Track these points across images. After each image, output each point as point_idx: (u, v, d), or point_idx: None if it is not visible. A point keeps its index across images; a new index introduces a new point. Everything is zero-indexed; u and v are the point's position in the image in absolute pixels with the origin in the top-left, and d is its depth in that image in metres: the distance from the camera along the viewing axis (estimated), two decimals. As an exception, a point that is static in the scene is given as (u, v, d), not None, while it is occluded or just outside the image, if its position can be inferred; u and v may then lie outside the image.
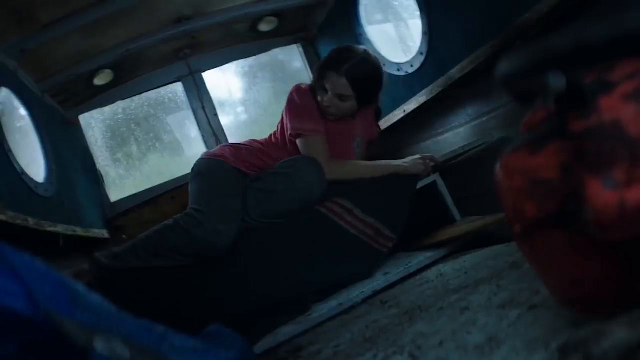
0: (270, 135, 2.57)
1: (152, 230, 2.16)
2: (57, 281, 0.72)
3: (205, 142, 3.47)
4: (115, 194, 3.37)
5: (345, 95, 2.34)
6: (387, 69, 2.96)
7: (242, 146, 2.49)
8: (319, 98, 2.38)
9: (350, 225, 2.20)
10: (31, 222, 1.99)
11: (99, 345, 0.69)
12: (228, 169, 2.35)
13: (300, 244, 2.15)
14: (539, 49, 0.68)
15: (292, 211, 2.23)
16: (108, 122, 3.51)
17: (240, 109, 3.78)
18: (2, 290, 0.64)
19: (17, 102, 2.54)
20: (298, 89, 2.41)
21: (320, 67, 2.40)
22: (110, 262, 2.09)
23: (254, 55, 3.65)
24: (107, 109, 3.46)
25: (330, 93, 2.34)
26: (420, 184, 2.52)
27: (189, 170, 2.51)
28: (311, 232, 2.18)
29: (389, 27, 3.19)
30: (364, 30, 3.10)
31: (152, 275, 2.08)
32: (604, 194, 0.65)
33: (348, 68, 2.30)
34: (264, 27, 3.40)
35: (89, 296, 0.77)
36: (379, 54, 3.04)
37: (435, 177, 2.57)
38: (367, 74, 2.36)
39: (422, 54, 2.64)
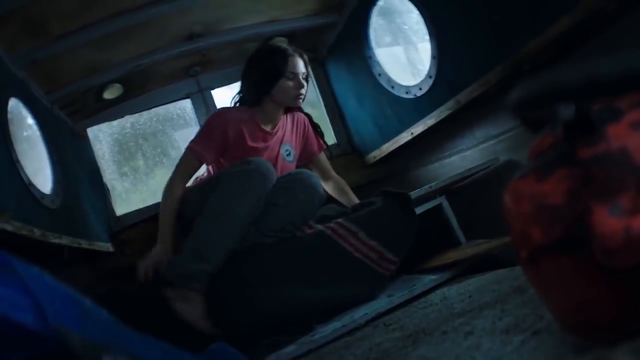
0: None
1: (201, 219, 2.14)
2: (66, 296, 0.73)
3: (212, 159, 3.48)
4: (121, 208, 3.37)
5: (307, 75, 2.55)
6: (395, 92, 2.98)
7: (193, 184, 2.53)
8: (288, 88, 2.48)
9: (354, 248, 2.19)
10: (37, 233, 1.99)
11: (107, 361, 0.70)
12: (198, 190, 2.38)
13: (304, 265, 2.15)
14: (549, 84, 0.68)
15: (294, 225, 2.26)
16: (116, 136, 3.52)
17: (247, 127, 3.79)
18: (11, 303, 0.64)
19: (24, 111, 2.56)
20: (217, 114, 2.52)
21: (275, 65, 2.46)
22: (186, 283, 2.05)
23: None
24: (115, 123, 3.48)
25: (299, 76, 2.49)
26: (426, 207, 2.53)
27: (194, 187, 2.52)
28: (315, 254, 2.17)
29: (398, 50, 3.21)
30: (373, 53, 3.12)
31: (154, 292, 2.07)
32: (610, 221, 0.66)
33: (294, 49, 2.52)
34: (274, 46, 3.42)
35: (97, 311, 0.77)
36: (388, 76, 3.05)
37: (442, 200, 2.58)
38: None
39: (431, 77, 2.65)
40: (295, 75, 2.47)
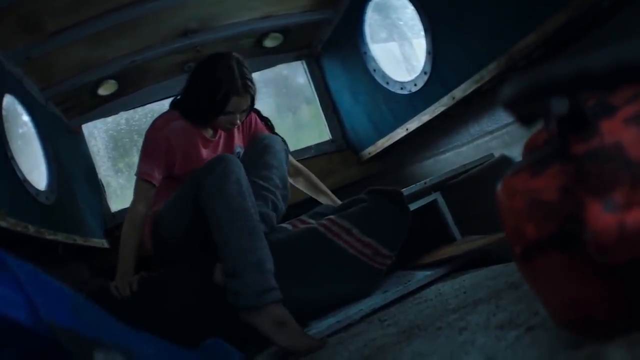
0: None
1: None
2: (59, 291, 0.73)
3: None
4: (116, 204, 3.37)
5: (245, 108, 2.32)
6: (390, 88, 2.98)
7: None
8: (221, 121, 2.31)
9: (348, 245, 2.19)
10: (31, 229, 1.99)
11: (99, 357, 0.69)
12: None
13: (297, 263, 2.13)
14: (542, 77, 0.68)
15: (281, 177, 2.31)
16: (111, 132, 3.52)
17: (243, 123, 3.79)
18: (4, 300, 0.64)
19: (20, 109, 2.55)
20: (155, 128, 2.32)
21: (215, 99, 2.24)
22: None
23: (259, 70, 3.63)
24: (110, 119, 3.47)
25: (235, 114, 2.29)
26: (421, 203, 2.53)
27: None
28: (308, 251, 2.16)
29: (393, 46, 3.21)
30: (368, 49, 3.11)
31: (149, 288, 2.06)
32: (603, 216, 0.66)
33: (243, 84, 2.24)
34: (269, 42, 3.42)
35: (89, 307, 0.77)
36: (383, 72, 3.05)
37: (436, 196, 2.58)
38: (253, 78, 2.32)
39: (425, 73, 2.65)
40: (232, 113, 2.28)
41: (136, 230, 2.21)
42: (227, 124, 2.33)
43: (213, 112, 2.28)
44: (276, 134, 2.59)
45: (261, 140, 2.37)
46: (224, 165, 1.99)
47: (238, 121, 2.33)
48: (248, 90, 2.27)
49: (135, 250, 2.18)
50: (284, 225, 2.29)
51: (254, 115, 2.58)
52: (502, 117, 2.39)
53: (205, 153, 2.36)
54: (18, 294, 0.65)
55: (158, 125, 2.31)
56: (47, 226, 2.18)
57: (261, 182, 2.21)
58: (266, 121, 2.63)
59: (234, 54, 2.31)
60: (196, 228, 2.05)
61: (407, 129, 2.94)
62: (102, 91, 3.22)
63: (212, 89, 2.24)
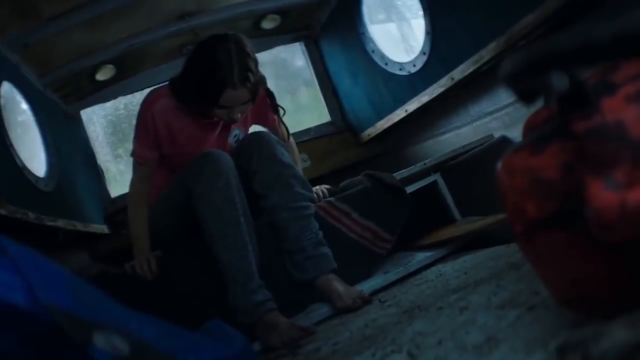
0: None
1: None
2: (58, 274, 0.73)
3: (207, 139, 3.47)
4: (115, 190, 3.37)
5: (246, 101, 2.10)
6: (389, 69, 2.96)
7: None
8: (218, 114, 2.13)
9: (348, 229, 2.18)
10: (31, 216, 1.99)
11: (99, 339, 0.69)
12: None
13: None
14: (544, 47, 0.68)
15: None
16: (109, 117, 3.51)
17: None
18: (3, 284, 0.64)
19: (18, 96, 2.54)
20: (142, 105, 2.21)
21: (207, 90, 2.03)
22: None
23: (257, 52, 3.60)
24: (108, 104, 3.46)
25: (233, 107, 2.08)
26: (421, 184, 2.52)
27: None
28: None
29: (391, 27, 3.19)
30: (366, 30, 3.10)
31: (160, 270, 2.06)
32: (605, 194, 0.65)
33: (241, 76, 2.01)
34: (266, 24, 3.39)
35: (89, 290, 0.77)
36: (382, 53, 3.04)
37: (436, 177, 2.57)
38: (255, 67, 2.10)
39: (424, 53, 2.64)
40: (228, 107, 2.07)
41: (141, 207, 2.18)
42: (225, 117, 2.14)
43: (206, 104, 2.09)
44: (280, 108, 2.40)
45: (252, 153, 2.11)
46: (211, 168, 1.95)
47: (238, 115, 2.12)
48: (245, 83, 2.03)
49: (146, 228, 2.15)
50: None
51: (261, 96, 2.33)
52: (502, 98, 2.38)
53: (196, 134, 2.24)
54: (16, 277, 0.65)
55: (147, 102, 2.19)
56: (47, 213, 2.18)
57: (293, 205, 2.06)
58: (274, 103, 2.38)
59: (234, 35, 2.10)
60: (193, 232, 2.03)
61: (406, 110, 2.93)
62: (100, 76, 3.20)
63: (205, 77, 2.03)
